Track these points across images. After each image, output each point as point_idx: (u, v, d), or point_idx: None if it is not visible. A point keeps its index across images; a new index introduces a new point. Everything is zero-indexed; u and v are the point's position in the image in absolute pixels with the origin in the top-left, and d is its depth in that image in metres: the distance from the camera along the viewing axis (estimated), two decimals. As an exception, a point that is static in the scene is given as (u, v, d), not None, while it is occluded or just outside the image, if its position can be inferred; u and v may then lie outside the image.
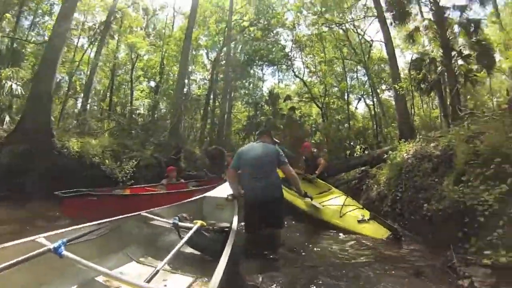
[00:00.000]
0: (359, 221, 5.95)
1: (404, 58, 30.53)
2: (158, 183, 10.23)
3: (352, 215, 6.12)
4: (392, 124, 23.84)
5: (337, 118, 26.01)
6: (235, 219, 4.32)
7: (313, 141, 22.94)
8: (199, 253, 4.13)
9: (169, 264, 3.38)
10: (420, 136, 8.87)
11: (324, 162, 9.71)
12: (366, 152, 14.99)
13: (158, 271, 2.63)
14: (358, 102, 31.96)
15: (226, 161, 11.66)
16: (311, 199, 6.19)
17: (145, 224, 4.20)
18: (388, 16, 17.25)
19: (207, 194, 6.04)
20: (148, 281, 2.44)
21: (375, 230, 5.65)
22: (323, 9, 25.23)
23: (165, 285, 3.28)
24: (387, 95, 30.65)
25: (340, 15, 25.79)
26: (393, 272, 3.99)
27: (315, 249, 5.24)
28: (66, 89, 21.34)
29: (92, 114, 19.81)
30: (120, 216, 3.82)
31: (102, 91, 29.21)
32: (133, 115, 23.45)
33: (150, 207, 4.55)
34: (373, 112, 27.89)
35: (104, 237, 3.48)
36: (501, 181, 4.36)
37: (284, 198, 5.44)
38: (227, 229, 3.91)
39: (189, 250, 4.09)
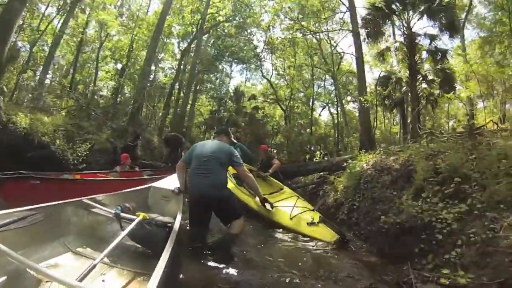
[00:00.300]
0: (308, 224, 5.86)
1: (372, 74, 31.68)
2: (111, 169, 9.79)
3: (302, 217, 6.02)
4: (354, 135, 24.44)
5: (300, 122, 26.09)
6: (179, 215, 4.22)
7: (273, 142, 23.10)
8: (140, 246, 3.91)
9: (108, 257, 3.14)
10: (381, 149, 8.84)
11: (279, 163, 9.69)
12: (325, 158, 14.94)
13: (95, 265, 2.45)
14: (323, 109, 33.11)
15: (183, 151, 11.60)
16: (272, 206, 6.16)
17: (86, 212, 3.98)
18: (362, 32, 17.18)
19: (153, 184, 5.87)
20: (84, 276, 2.26)
21: (324, 234, 5.56)
22: (300, 16, 25.23)
23: (103, 280, 3.08)
24: (351, 106, 31.85)
25: (316, 24, 25.84)
26: (341, 283, 3.82)
27: (263, 250, 5.10)
28: (26, 59, 20.05)
29: (49, 90, 18.33)
30: (57, 202, 3.57)
31: (65, 67, 27.82)
32: (95, 96, 22.30)
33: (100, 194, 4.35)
34: (336, 121, 28.50)
35: (39, 224, 3.21)
36: (461, 200, 4.32)
37: (233, 195, 5.43)
38: (170, 224, 3.79)
39: (130, 242, 3.85)
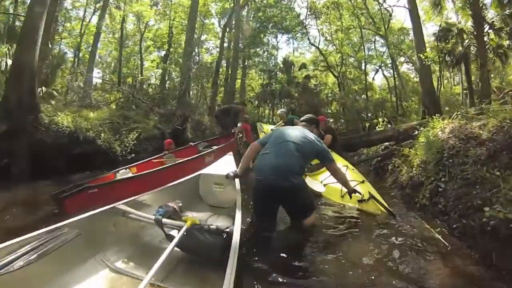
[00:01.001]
0: (359, 201, 5.26)
1: (426, 30, 28.63)
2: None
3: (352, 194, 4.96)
4: (412, 98, 23.11)
5: (354, 89, 24.93)
6: (238, 215, 3.40)
7: (329, 111, 21.95)
8: (194, 257, 3.18)
9: (155, 276, 2.38)
10: (458, 112, 7.37)
11: (330, 137, 8.26)
12: (389, 126, 13.32)
13: None
14: (376, 73, 31.12)
15: (240, 117, 11.34)
16: (361, 195, 5.14)
17: (124, 219, 3.35)
18: None
19: (204, 171, 5.22)
20: None
21: (375, 209, 5.13)
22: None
23: None
24: (405, 68, 30.16)
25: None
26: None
27: (332, 245, 3.96)
28: (76, 63, 20.79)
29: (96, 87, 18.53)
30: (89, 213, 3.04)
31: (112, 63, 28.61)
32: (144, 86, 22.30)
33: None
34: (391, 85, 26.42)
35: (72, 241, 2.69)
36: None
37: (307, 186, 4.45)
38: (228, 229, 3.00)
39: (181, 253, 3.17)
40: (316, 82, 25.73)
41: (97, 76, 23.62)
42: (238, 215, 3.36)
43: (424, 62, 14.34)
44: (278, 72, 27.11)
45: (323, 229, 4.37)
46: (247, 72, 30.26)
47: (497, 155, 4.47)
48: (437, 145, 5.90)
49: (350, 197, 4.79)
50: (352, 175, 6.13)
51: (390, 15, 25.53)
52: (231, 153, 6.31)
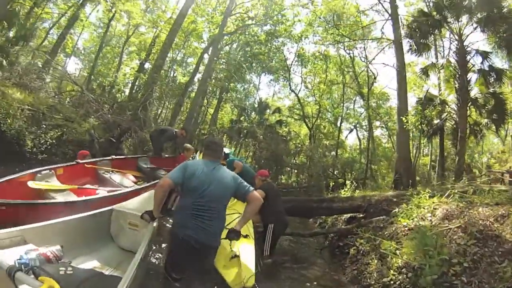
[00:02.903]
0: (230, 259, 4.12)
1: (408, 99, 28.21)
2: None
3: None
4: (381, 163, 21.82)
5: (325, 144, 23.78)
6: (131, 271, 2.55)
7: (294, 162, 20.51)
8: None
9: None
10: (455, 191, 5.40)
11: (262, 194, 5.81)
12: (357, 191, 10.77)
13: None
14: (350, 132, 29.73)
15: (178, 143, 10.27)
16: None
17: None
18: (405, 44, 14.77)
19: (116, 206, 4.28)
20: None
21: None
22: (337, 22, 22.11)
23: None
24: (379, 132, 29.35)
25: (351, 39, 22.32)
26: None
27: None
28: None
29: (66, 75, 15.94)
30: None
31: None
32: (113, 90, 19.92)
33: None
34: (363, 146, 26.11)
35: None
36: None
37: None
38: None
39: None
40: (287, 129, 24.55)
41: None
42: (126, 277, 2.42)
43: (405, 126, 13.11)
44: (251, 112, 25.66)
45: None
46: (221, 105, 28.47)
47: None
48: (433, 242, 3.65)
49: (232, 237, 3.62)
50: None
51: (375, 78, 24.70)
52: None
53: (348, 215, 7.95)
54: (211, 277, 3.75)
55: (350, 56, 24.64)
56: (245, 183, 3.56)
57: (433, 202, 5.22)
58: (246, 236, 4.46)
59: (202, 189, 3.38)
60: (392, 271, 3.96)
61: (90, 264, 3.44)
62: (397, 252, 4.19)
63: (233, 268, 3.82)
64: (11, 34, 13.71)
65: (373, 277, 4.26)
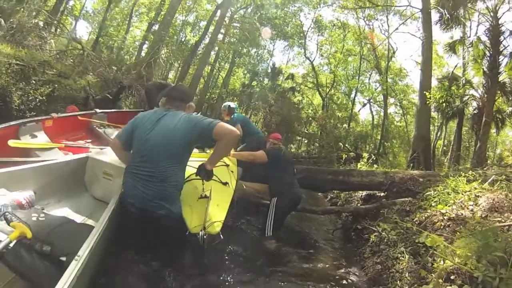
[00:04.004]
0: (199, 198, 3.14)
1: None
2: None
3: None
4: (393, 141, 20.78)
5: (337, 115, 22.24)
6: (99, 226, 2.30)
7: (305, 131, 19.44)
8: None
9: None
10: (501, 177, 4.54)
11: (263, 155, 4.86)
12: (375, 166, 9.54)
13: None
14: (363, 106, 28.47)
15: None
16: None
17: None
18: (433, 15, 13.81)
19: (92, 154, 3.77)
20: None
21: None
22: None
23: None
24: (392, 110, 27.80)
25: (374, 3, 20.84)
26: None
27: None
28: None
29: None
30: None
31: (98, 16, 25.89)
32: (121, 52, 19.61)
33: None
34: (375, 121, 25.43)
35: None
36: None
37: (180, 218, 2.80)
38: (66, 258, 1.98)
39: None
40: (300, 97, 23.67)
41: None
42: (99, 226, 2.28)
43: (427, 102, 11.80)
44: (264, 77, 24.84)
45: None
46: (234, 70, 27.67)
47: None
48: (502, 245, 2.60)
49: (201, 175, 2.94)
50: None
51: (394, 52, 23.54)
52: None
53: (366, 192, 6.92)
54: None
55: (370, 27, 23.46)
56: (208, 119, 2.78)
57: (475, 188, 4.19)
58: (225, 184, 3.68)
59: (141, 142, 2.81)
60: (435, 276, 2.91)
61: (62, 211, 3.15)
62: (441, 249, 3.12)
63: (197, 209, 2.99)
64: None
65: (406, 280, 3.18)
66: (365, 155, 10.10)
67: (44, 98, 8.32)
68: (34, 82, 8.46)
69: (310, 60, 25.46)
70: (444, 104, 13.06)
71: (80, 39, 14.75)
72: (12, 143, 4.46)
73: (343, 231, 5.65)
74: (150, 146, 2.72)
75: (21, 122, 5.14)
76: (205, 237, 2.51)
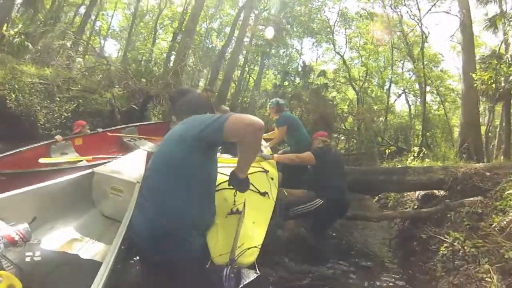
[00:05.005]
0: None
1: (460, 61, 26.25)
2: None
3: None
4: (433, 130, 19.48)
5: (374, 108, 21.29)
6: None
7: (343, 127, 18.40)
8: None
9: None
10: None
11: (308, 155, 4.22)
12: (426, 160, 8.54)
13: None
14: (398, 97, 27.15)
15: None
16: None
17: None
18: None
19: (98, 169, 3.55)
20: None
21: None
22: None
23: None
24: (428, 98, 26.00)
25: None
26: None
27: None
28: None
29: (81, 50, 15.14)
30: None
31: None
32: (147, 63, 19.04)
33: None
34: (413, 112, 24.06)
35: None
36: None
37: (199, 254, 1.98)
38: None
39: None
40: (335, 92, 23.08)
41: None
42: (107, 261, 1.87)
43: (475, 85, 10.41)
44: (294, 76, 23.86)
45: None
46: (264, 72, 27.34)
47: None
48: None
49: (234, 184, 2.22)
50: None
51: (426, 37, 21.63)
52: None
53: (422, 192, 5.87)
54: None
55: (398, 14, 22.01)
56: (219, 116, 1.99)
57: None
58: (264, 194, 2.89)
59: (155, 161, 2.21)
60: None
61: (69, 234, 2.94)
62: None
63: (226, 228, 2.17)
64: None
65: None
66: (415, 149, 9.08)
67: (69, 114, 8.28)
68: (58, 99, 8.39)
69: (340, 55, 24.55)
70: (493, 85, 11.61)
71: (104, 54, 15.34)
72: (42, 160, 4.66)
73: (402, 240, 4.75)
74: (156, 160, 2.21)
75: (51, 142, 5.34)
76: (234, 271, 1.71)
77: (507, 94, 13.50)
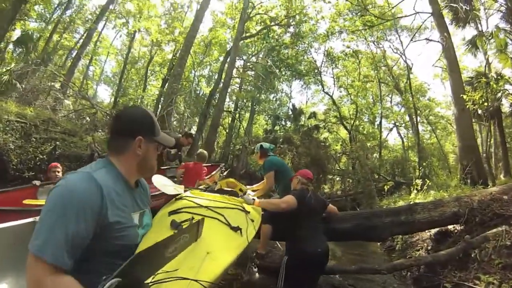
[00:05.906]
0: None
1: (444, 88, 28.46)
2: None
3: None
4: (428, 160, 18.42)
5: (367, 145, 20.97)
6: None
7: (337, 168, 18.07)
8: None
9: None
10: None
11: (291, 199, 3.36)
12: (431, 191, 7.78)
13: None
14: (390, 131, 27.62)
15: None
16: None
17: None
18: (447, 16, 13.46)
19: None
20: None
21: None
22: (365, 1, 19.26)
23: None
24: (420, 129, 26.46)
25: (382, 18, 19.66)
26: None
27: None
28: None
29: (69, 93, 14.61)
30: None
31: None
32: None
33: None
34: (408, 143, 24.55)
35: None
36: None
37: None
38: None
39: None
40: (327, 133, 23.06)
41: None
42: None
43: (467, 106, 10.30)
44: (285, 120, 24.50)
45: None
46: (254, 117, 27.34)
47: None
48: None
49: None
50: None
51: (410, 69, 22.20)
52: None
53: (434, 230, 4.98)
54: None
55: (381, 50, 23.02)
56: None
57: None
58: (236, 230, 2.40)
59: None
60: None
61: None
62: None
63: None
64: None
65: None
66: (418, 181, 8.31)
67: (44, 156, 7.77)
68: (34, 139, 7.93)
69: (329, 95, 24.81)
70: (485, 104, 11.23)
71: (89, 98, 14.85)
72: (26, 201, 4.37)
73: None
74: None
75: (41, 184, 5.12)
76: None
77: (498, 111, 13.47)
